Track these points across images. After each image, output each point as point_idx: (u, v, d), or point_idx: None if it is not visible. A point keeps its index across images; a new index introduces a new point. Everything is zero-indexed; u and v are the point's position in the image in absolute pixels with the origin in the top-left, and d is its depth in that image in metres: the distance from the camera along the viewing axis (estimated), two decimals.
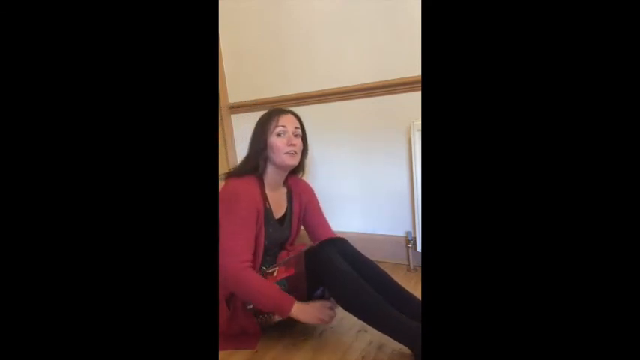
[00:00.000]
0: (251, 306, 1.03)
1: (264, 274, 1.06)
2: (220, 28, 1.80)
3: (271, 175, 1.13)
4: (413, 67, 1.40)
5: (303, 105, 1.64)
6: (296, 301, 0.98)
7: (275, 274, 1.04)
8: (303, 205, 1.23)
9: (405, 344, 0.89)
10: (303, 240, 1.28)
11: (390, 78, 1.46)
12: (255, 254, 1.04)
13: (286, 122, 1.09)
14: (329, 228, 1.26)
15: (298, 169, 1.20)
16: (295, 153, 1.09)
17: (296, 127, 1.11)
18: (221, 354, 1.01)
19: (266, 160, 1.10)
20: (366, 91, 1.52)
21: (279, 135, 1.08)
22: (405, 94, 1.44)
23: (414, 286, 1.12)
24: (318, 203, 1.27)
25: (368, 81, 1.51)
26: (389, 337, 0.90)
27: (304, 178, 1.27)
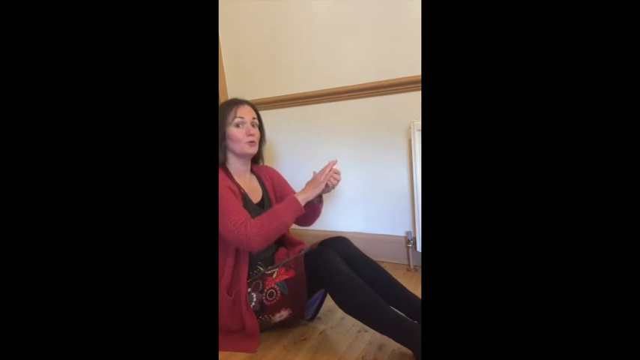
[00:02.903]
0: (253, 304, 1.03)
1: (263, 275, 1.06)
2: (220, 28, 1.80)
3: (235, 164, 1.18)
4: (413, 67, 1.40)
5: (303, 105, 1.64)
6: (297, 193, 1.06)
7: (274, 275, 1.04)
8: (276, 186, 1.29)
9: (405, 344, 0.89)
10: (305, 240, 1.28)
11: (390, 78, 1.46)
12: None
13: (244, 113, 1.14)
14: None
15: (258, 158, 1.27)
16: (254, 142, 1.14)
17: (253, 118, 1.16)
18: (221, 354, 1.01)
19: (226, 149, 1.15)
20: (367, 91, 1.52)
21: (237, 125, 1.12)
22: (405, 94, 1.44)
23: (414, 286, 1.12)
24: (286, 182, 1.33)
25: (368, 81, 1.51)
26: (389, 338, 0.90)
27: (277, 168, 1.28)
